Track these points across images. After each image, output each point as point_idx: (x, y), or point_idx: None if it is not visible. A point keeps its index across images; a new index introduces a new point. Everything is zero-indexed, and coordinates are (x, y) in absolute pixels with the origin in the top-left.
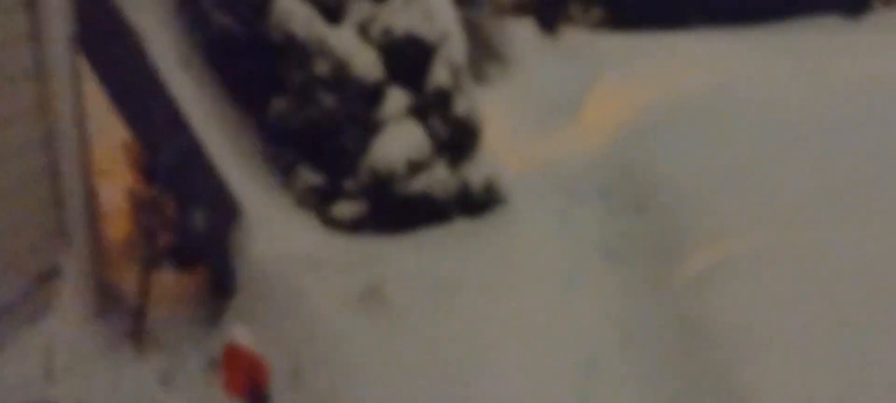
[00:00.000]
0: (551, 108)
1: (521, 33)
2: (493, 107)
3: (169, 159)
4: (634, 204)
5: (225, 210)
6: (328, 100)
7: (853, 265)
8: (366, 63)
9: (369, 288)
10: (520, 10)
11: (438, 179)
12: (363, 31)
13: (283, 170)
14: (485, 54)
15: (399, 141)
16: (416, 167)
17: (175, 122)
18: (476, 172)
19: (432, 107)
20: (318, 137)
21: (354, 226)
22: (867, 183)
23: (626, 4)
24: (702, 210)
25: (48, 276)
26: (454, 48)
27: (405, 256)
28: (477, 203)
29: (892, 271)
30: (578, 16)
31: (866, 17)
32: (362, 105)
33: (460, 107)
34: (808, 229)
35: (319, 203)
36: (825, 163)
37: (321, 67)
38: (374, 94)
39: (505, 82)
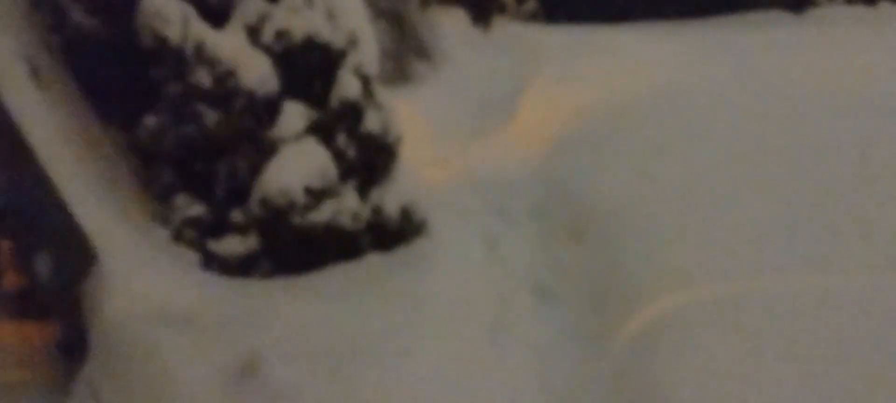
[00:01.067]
0: (482, 109)
1: (450, 25)
2: (418, 110)
3: None
4: (571, 229)
5: (75, 255)
6: (211, 116)
7: (828, 318)
8: (257, 72)
9: (250, 359)
10: None
11: (346, 208)
12: (254, 34)
13: (157, 199)
14: (410, 49)
15: (298, 164)
16: (318, 194)
17: (11, 146)
18: (391, 198)
19: (338, 124)
20: (199, 159)
21: (243, 266)
22: (833, 210)
23: None
24: (647, 242)
25: None
26: (365, 54)
27: (299, 310)
28: (392, 234)
29: (871, 331)
30: (512, 6)
31: (809, 12)
32: (253, 122)
33: (372, 122)
34: (765, 271)
35: (200, 238)
36: (784, 185)
37: (201, 77)
38: (267, 109)
39: (432, 80)
